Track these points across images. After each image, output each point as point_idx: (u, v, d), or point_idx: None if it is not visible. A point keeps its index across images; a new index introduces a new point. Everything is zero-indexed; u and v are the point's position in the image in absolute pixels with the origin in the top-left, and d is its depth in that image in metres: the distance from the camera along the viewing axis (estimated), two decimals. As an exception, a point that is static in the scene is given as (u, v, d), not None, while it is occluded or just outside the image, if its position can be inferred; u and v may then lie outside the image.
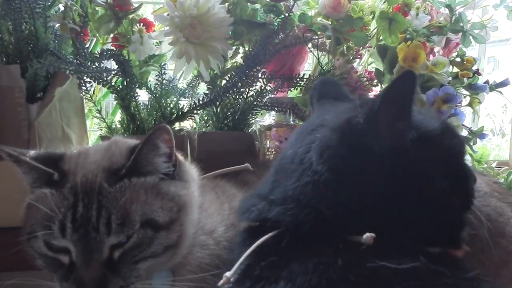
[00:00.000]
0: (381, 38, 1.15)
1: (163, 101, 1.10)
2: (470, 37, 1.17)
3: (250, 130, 1.19)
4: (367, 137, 0.53)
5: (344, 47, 1.20)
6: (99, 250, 0.59)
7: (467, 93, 1.19)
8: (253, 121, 1.19)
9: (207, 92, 1.12)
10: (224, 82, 1.14)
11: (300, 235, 0.50)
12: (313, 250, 0.48)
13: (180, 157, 0.72)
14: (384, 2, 1.17)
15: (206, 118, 1.19)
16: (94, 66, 1.03)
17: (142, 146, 0.63)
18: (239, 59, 1.21)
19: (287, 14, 1.12)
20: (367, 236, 0.48)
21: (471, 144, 1.19)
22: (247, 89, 1.13)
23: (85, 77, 1.03)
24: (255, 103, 1.14)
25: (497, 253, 0.70)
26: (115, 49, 1.09)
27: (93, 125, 1.35)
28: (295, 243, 0.50)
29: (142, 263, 0.62)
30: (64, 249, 0.61)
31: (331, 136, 0.55)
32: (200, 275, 0.66)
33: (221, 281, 0.49)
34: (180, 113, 1.09)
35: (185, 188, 0.68)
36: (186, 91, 1.17)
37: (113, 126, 1.15)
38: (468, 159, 1.27)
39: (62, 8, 1.08)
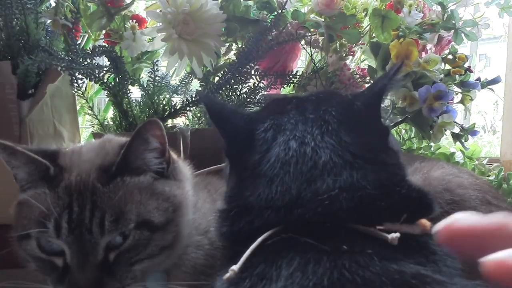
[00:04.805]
0: (374, 35, 1.15)
1: (155, 98, 1.10)
2: (462, 34, 1.17)
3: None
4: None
5: (337, 44, 1.20)
6: (94, 251, 0.58)
7: (459, 90, 1.19)
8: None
9: (199, 89, 1.11)
10: (217, 79, 1.13)
11: (302, 231, 0.49)
12: (315, 247, 0.47)
13: (174, 155, 0.71)
14: (377, -1, 1.17)
15: (199, 115, 1.19)
16: (86, 63, 1.03)
17: (131, 140, 0.62)
18: (232, 56, 1.21)
19: (280, 11, 1.11)
20: (392, 236, 0.47)
21: (463, 141, 1.20)
22: (240, 86, 1.13)
23: (77, 74, 1.03)
24: (248, 100, 1.14)
25: None
26: (107, 46, 1.09)
27: (85, 122, 1.34)
28: (297, 240, 0.49)
29: (138, 265, 0.61)
30: (58, 251, 0.60)
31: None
32: (197, 283, 0.65)
33: (227, 275, 0.48)
34: (172, 110, 1.09)
35: (180, 187, 0.67)
36: (179, 88, 1.17)
37: (105, 123, 1.15)
38: (459, 156, 1.28)
39: (53, 4, 1.07)
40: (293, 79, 1.17)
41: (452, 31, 1.17)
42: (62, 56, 1.03)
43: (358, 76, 1.20)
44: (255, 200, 0.53)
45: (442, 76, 1.16)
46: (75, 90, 1.06)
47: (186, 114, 1.12)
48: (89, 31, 1.15)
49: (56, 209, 0.59)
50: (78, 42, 1.12)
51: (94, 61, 1.05)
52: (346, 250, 0.46)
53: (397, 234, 0.47)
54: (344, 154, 0.54)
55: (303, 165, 0.54)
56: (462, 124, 1.22)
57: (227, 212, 0.57)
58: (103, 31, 1.12)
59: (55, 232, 0.58)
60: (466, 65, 1.18)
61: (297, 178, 0.53)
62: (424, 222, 0.53)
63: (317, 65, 1.20)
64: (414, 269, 0.44)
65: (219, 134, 0.64)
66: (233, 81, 1.09)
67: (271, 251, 0.48)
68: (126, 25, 1.09)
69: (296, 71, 1.19)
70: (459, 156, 1.27)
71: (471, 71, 1.19)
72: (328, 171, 0.53)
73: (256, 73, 1.14)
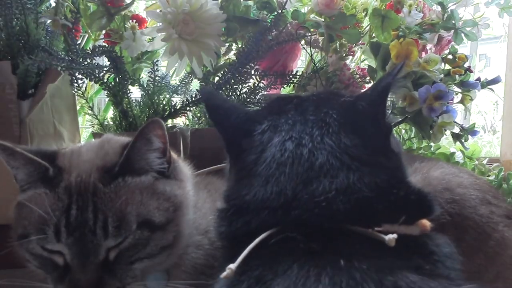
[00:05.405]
0: (373, 35, 1.15)
1: (155, 98, 1.10)
2: (462, 34, 1.17)
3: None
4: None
5: (337, 44, 1.20)
6: (96, 252, 0.58)
7: (459, 90, 1.19)
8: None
9: (199, 88, 1.11)
10: (217, 79, 1.13)
11: (300, 232, 0.49)
12: (311, 249, 0.47)
13: (174, 155, 0.71)
14: (377, -1, 1.17)
15: (199, 115, 1.19)
16: (86, 63, 1.03)
17: (134, 140, 0.62)
18: (232, 55, 1.21)
19: (280, 11, 1.11)
20: (390, 238, 0.47)
21: (463, 141, 1.20)
22: (240, 86, 1.13)
23: (77, 74, 1.03)
24: (248, 100, 1.14)
25: (483, 255, 0.72)
26: (107, 46, 1.09)
27: (85, 122, 1.34)
28: (294, 244, 0.49)
29: (138, 264, 0.61)
30: (58, 251, 0.60)
31: None
32: (197, 282, 0.65)
33: (225, 273, 0.48)
34: (172, 110, 1.09)
35: (181, 187, 0.67)
36: (179, 88, 1.17)
37: (105, 123, 1.15)
38: (459, 156, 1.28)
39: (53, 4, 1.07)
40: (293, 79, 1.17)
41: (452, 31, 1.17)
42: (62, 56, 1.03)
43: (358, 76, 1.20)
44: (252, 200, 0.54)
45: (442, 76, 1.16)
46: (75, 90, 1.06)
47: (186, 114, 1.12)
48: (89, 31, 1.15)
49: (55, 212, 0.59)
50: (78, 42, 1.12)
51: (94, 61, 1.05)
52: (342, 263, 0.46)
53: (394, 236, 0.47)
54: (342, 156, 0.54)
55: (299, 166, 0.54)
56: (462, 124, 1.22)
57: (225, 212, 0.57)
58: (103, 31, 1.12)
59: (55, 237, 0.59)
60: (466, 65, 1.18)
61: (293, 179, 0.53)
62: (424, 222, 0.53)
63: (317, 65, 1.20)
64: (407, 280, 0.44)
65: (219, 134, 0.64)
66: (233, 81, 1.09)
67: (268, 254, 0.49)
68: (126, 25, 1.09)
69: (296, 71, 1.19)
70: (459, 156, 1.27)
71: (471, 71, 1.19)
72: (324, 173, 0.53)
73: (256, 73, 1.14)
